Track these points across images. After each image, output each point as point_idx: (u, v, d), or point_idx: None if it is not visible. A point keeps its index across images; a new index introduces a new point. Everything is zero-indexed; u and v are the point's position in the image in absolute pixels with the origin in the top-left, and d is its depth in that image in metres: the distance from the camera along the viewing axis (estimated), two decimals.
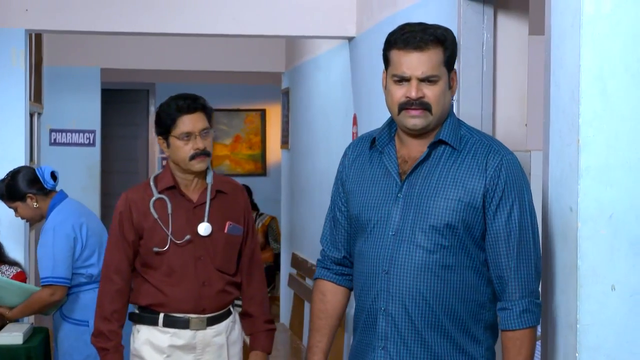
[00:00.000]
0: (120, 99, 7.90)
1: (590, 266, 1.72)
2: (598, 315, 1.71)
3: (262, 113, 8.24)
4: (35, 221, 3.13)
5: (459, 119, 1.82)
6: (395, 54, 1.73)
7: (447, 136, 1.76)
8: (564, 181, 1.79)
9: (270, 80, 6.97)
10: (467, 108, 2.66)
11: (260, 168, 8.24)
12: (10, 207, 3.11)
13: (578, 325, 1.71)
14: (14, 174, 3.08)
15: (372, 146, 1.83)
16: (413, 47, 1.71)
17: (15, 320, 3.10)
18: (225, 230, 2.34)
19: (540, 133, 1.96)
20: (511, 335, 1.74)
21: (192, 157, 2.28)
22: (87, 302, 2.97)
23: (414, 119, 1.73)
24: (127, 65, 6.22)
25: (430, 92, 1.72)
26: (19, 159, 3.68)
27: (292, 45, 5.72)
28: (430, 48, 1.71)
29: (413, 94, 1.71)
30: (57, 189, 3.10)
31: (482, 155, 1.75)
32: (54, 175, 3.06)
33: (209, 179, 2.35)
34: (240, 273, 2.40)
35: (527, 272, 1.75)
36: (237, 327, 2.41)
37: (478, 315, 1.77)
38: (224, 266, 2.35)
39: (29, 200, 3.03)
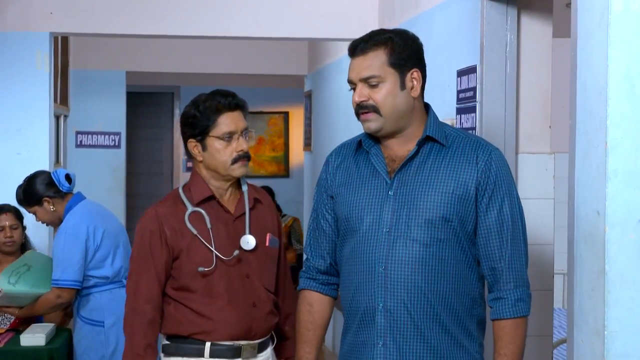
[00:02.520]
0: (145, 101, 7.96)
1: (618, 271, 1.68)
2: (626, 321, 1.67)
3: (285, 115, 8.25)
4: (55, 225, 3.13)
5: (440, 121, 1.84)
6: (349, 63, 1.81)
7: (433, 132, 1.79)
8: (591, 184, 1.75)
9: (293, 83, 6.98)
10: (490, 109, 2.62)
11: (283, 170, 8.25)
12: (29, 212, 3.13)
13: (606, 332, 1.67)
14: (30, 179, 3.11)
15: (357, 149, 1.85)
16: (357, 53, 1.78)
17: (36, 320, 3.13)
18: (267, 243, 2.09)
19: (564, 135, 1.93)
20: (504, 324, 1.77)
21: (235, 161, 2.02)
22: (99, 303, 2.99)
23: (367, 123, 1.78)
24: (152, 69, 6.27)
25: (374, 94, 1.76)
26: (44, 161, 3.72)
27: (315, 48, 5.72)
28: (371, 51, 1.76)
29: (356, 98, 1.77)
30: (76, 190, 3.11)
31: (471, 150, 1.79)
32: (69, 178, 3.08)
33: (245, 186, 2.10)
34: (277, 290, 2.17)
35: (519, 263, 1.79)
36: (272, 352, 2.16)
37: (471, 310, 1.80)
38: (270, 284, 2.11)
39: (45, 203, 3.05)
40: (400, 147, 1.80)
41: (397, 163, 1.80)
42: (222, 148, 2.02)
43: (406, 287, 1.75)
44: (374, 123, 1.77)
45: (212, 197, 2.06)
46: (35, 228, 3.56)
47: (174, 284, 2.04)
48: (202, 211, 2.04)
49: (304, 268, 1.93)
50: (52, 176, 3.08)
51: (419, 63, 1.80)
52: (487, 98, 2.62)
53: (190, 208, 2.04)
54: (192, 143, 2.05)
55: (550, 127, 2.70)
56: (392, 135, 1.80)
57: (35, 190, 3.06)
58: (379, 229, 1.77)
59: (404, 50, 1.77)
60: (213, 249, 2.01)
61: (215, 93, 2.05)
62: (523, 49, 2.65)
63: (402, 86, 1.77)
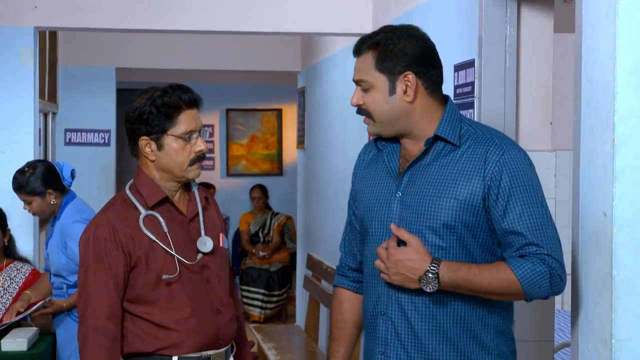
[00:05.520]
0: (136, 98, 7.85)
1: (627, 276, 1.60)
2: (635, 329, 1.59)
3: (279, 113, 8.16)
4: (45, 217, 3.08)
5: (462, 116, 1.74)
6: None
7: (443, 132, 1.69)
8: (597, 183, 1.67)
9: (287, 80, 6.89)
10: (489, 105, 2.54)
11: (277, 168, 8.16)
12: (24, 200, 3.03)
13: (613, 340, 1.60)
14: (34, 168, 3.02)
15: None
16: (355, 53, 1.74)
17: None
18: (221, 244, 1.98)
19: (566, 132, 1.85)
20: (503, 266, 1.60)
21: (193, 162, 1.91)
22: None
23: (368, 127, 1.74)
24: (142, 65, 6.18)
25: (366, 99, 1.72)
26: (29, 159, 3.61)
27: (308, 44, 5.63)
28: (363, 53, 1.72)
29: (352, 100, 1.73)
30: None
31: (482, 150, 1.65)
32: (73, 175, 3.03)
33: (195, 185, 1.99)
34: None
35: (555, 245, 1.62)
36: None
37: (486, 319, 1.67)
38: (227, 287, 2.00)
39: (48, 196, 2.98)
40: (413, 147, 1.73)
41: (408, 163, 1.73)
42: (180, 148, 1.89)
43: (407, 295, 1.67)
44: (371, 128, 1.74)
45: (166, 200, 1.94)
46: (20, 229, 3.47)
47: (129, 296, 1.88)
48: (157, 215, 1.90)
49: (338, 264, 1.89)
50: (57, 168, 3.01)
51: (416, 64, 1.67)
52: (486, 93, 2.54)
53: (143, 212, 1.90)
54: (144, 141, 1.91)
55: (551, 123, 2.62)
56: (401, 135, 1.73)
57: (41, 182, 2.98)
58: (386, 232, 1.71)
59: (393, 53, 1.67)
60: (175, 254, 1.88)
61: (173, 88, 1.91)
62: (523, 43, 2.58)
63: (392, 91, 1.68)
